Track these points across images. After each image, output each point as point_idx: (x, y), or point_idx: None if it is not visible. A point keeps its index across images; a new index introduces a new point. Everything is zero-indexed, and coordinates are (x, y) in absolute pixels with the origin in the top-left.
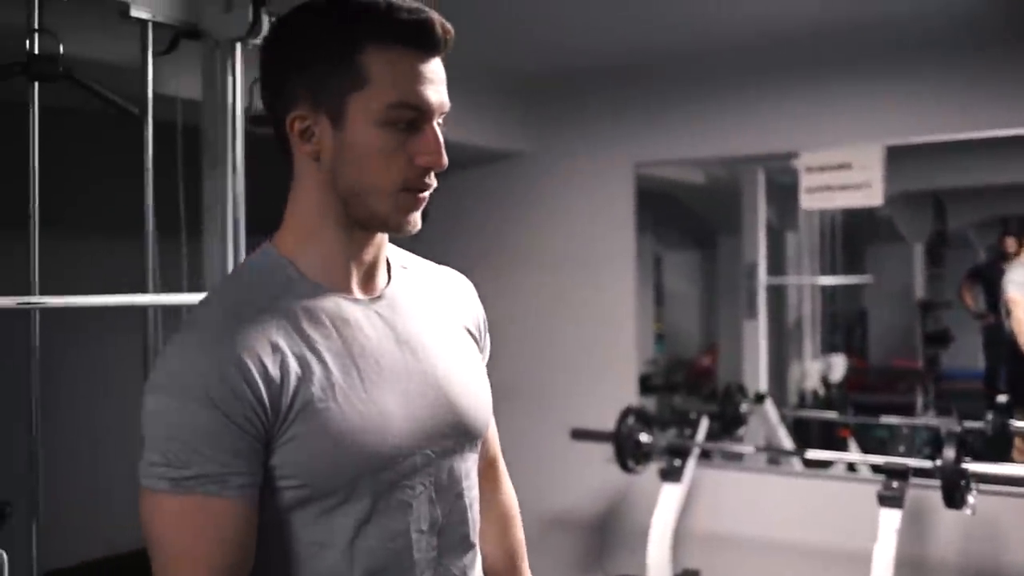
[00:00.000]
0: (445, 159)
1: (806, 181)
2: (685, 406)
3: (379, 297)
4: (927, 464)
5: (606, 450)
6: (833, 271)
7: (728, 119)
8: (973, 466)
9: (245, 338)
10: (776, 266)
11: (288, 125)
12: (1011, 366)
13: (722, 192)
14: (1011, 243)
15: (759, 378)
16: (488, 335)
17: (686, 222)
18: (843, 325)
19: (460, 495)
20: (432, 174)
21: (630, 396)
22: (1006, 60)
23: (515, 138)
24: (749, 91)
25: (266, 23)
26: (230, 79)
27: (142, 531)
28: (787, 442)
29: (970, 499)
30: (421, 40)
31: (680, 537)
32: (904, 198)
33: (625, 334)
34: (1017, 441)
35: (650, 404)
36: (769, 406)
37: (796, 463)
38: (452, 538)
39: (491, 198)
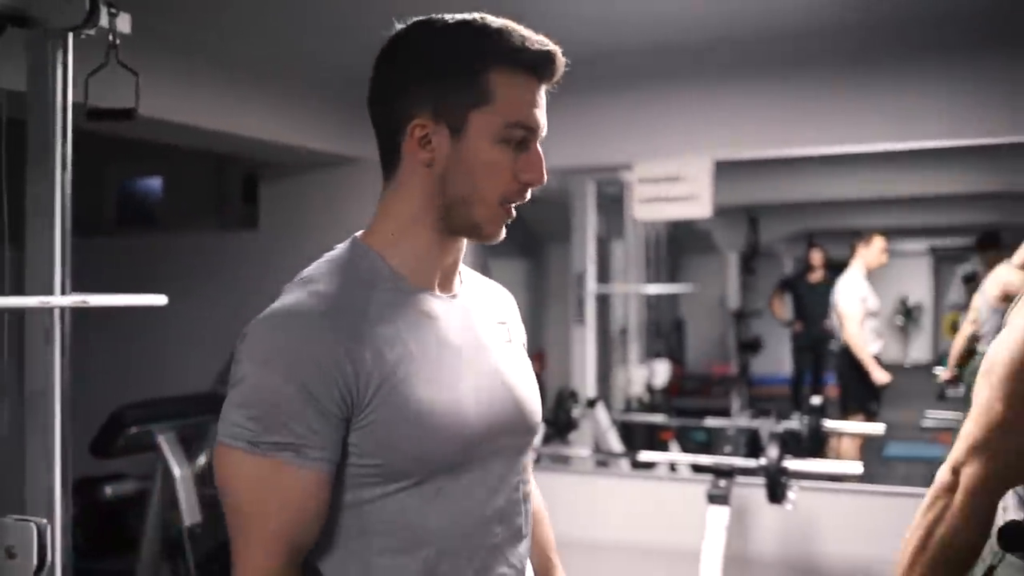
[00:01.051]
0: (546, 177)
1: (638, 192)
2: None
3: (455, 296)
4: (752, 463)
5: None
6: (657, 280)
7: (563, 130)
8: (793, 463)
9: (340, 323)
10: (603, 275)
11: (408, 131)
12: (840, 372)
13: (552, 201)
14: (816, 256)
15: (587, 383)
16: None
17: (516, 230)
18: (664, 332)
19: (518, 487)
20: (529, 191)
21: None
22: (824, 82)
23: (354, 143)
24: (584, 102)
25: (104, 14)
26: (60, 71)
27: (218, 488)
28: (617, 445)
29: (790, 495)
30: (544, 70)
31: None
32: (721, 212)
33: None
34: (834, 440)
35: None
36: (600, 410)
37: (624, 465)
38: (511, 527)
39: (333, 202)
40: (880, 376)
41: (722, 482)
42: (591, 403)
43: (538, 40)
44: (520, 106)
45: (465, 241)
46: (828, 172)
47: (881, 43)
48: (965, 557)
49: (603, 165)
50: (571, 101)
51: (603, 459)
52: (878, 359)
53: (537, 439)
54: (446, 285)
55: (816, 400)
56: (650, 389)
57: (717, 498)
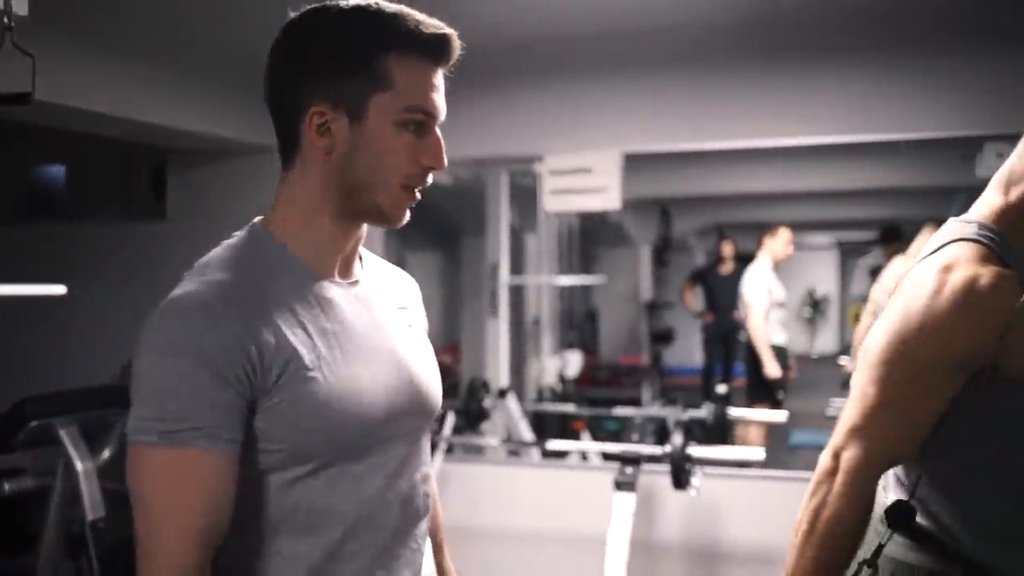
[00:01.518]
0: (445, 161)
1: (549, 184)
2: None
3: (355, 282)
4: (658, 451)
5: None
6: (570, 272)
7: (476, 121)
8: (697, 450)
9: (242, 308)
10: (518, 266)
11: (306, 119)
12: (747, 362)
13: (467, 193)
14: (727, 248)
15: (501, 374)
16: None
17: (431, 223)
18: (577, 324)
19: (419, 469)
20: (430, 175)
21: None
22: (731, 77)
23: (265, 131)
24: (497, 94)
25: None
26: None
27: (130, 489)
28: (528, 435)
29: (695, 481)
30: (440, 54)
31: None
32: (634, 204)
33: None
34: (741, 429)
35: None
36: (511, 400)
37: (535, 454)
38: (412, 509)
39: (244, 192)
40: (772, 370)
41: (628, 469)
42: (502, 393)
43: (433, 24)
44: (418, 90)
45: (366, 227)
46: (739, 166)
47: (787, 39)
48: (852, 538)
49: (515, 156)
50: (484, 92)
51: (514, 448)
52: (784, 350)
53: (447, 428)
54: (346, 271)
55: (722, 389)
56: (563, 379)
57: (624, 485)
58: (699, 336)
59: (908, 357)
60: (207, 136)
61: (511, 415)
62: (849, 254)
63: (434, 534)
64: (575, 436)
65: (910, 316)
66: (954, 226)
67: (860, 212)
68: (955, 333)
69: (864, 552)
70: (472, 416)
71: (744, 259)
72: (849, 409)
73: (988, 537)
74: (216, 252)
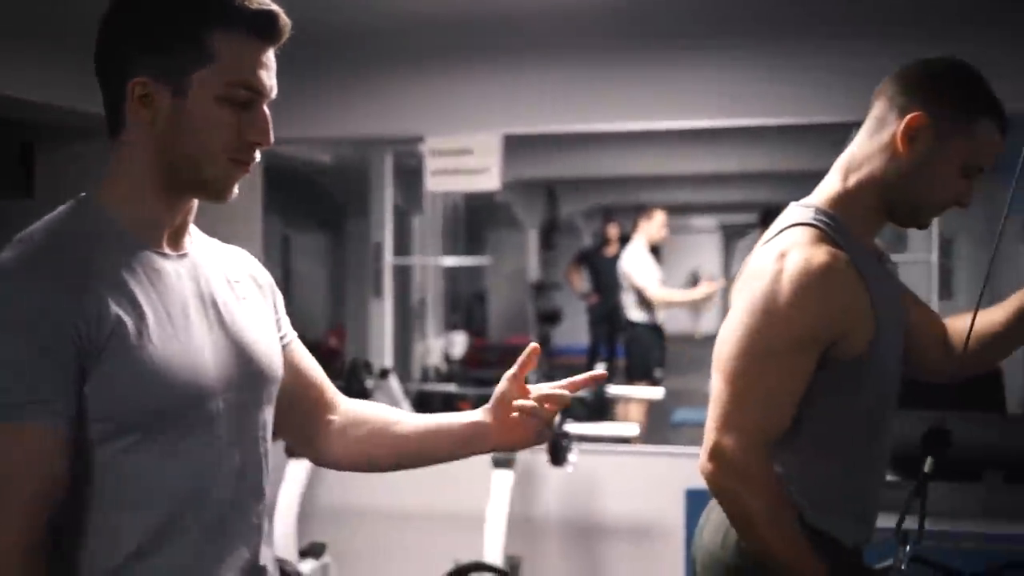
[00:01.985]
0: (272, 138)
1: (431, 164)
2: None
3: (184, 255)
4: None
5: None
6: (457, 253)
7: (358, 100)
8: (572, 427)
9: (65, 277)
10: (403, 247)
11: (128, 90)
12: (626, 343)
13: (351, 173)
14: (612, 230)
15: (385, 355)
16: (279, 296)
17: (316, 204)
18: (465, 305)
19: (256, 443)
20: (257, 150)
21: None
22: (610, 60)
23: None
24: (380, 74)
25: None
26: None
27: None
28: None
29: (571, 457)
30: (266, 30)
31: (307, 511)
32: (521, 186)
33: None
34: (623, 407)
35: None
36: (393, 381)
37: None
38: (250, 484)
39: None
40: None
41: None
42: (383, 373)
43: (260, 1)
44: (242, 66)
45: (195, 203)
46: (624, 149)
47: (665, 24)
48: (782, 511)
49: (396, 136)
50: (367, 72)
51: None
52: (659, 328)
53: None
54: (175, 243)
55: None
56: (448, 360)
57: (501, 462)
58: (586, 317)
59: (760, 344)
60: (76, 112)
61: (393, 395)
62: (732, 237)
63: (383, 413)
64: None
65: (754, 306)
66: (794, 211)
67: (741, 195)
68: (797, 314)
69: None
70: (354, 396)
71: (626, 241)
72: (716, 404)
73: (823, 508)
74: (38, 224)
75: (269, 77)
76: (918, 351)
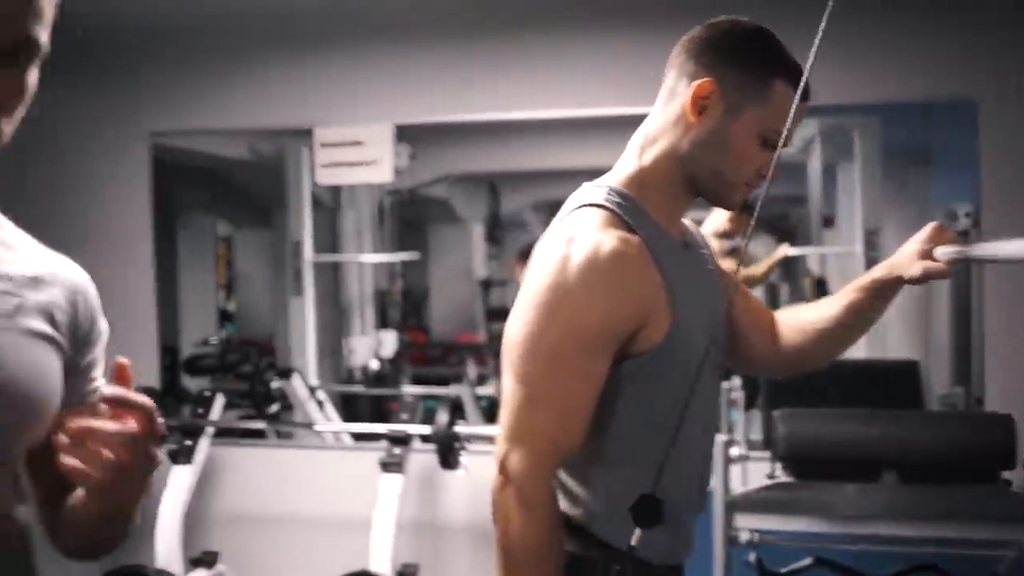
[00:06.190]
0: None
1: (321, 157)
2: (212, 386)
3: None
4: (424, 430)
5: None
6: (392, 250)
7: (247, 90)
8: (464, 429)
9: None
10: (332, 244)
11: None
12: None
13: (268, 168)
14: None
15: (307, 355)
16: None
17: (250, 200)
18: (408, 302)
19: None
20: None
21: (152, 377)
22: (504, 47)
23: None
24: (268, 63)
25: None
26: None
27: None
28: (316, 416)
29: (463, 460)
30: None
31: (196, 519)
32: (461, 180)
33: (144, 313)
34: None
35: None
36: (297, 381)
37: (331, 438)
38: None
39: None
40: None
41: (396, 450)
42: (284, 374)
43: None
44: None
45: None
46: (566, 141)
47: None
48: (548, 546)
49: (283, 127)
50: (250, 61)
51: (284, 431)
52: None
53: (216, 411)
54: None
55: None
56: (380, 359)
57: (390, 466)
58: None
59: (546, 344)
60: None
61: (297, 396)
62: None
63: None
64: (391, 417)
65: (540, 299)
66: (584, 191)
67: None
68: (586, 309)
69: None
70: (258, 399)
71: None
72: (504, 412)
73: (622, 520)
74: None
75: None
76: (743, 343)
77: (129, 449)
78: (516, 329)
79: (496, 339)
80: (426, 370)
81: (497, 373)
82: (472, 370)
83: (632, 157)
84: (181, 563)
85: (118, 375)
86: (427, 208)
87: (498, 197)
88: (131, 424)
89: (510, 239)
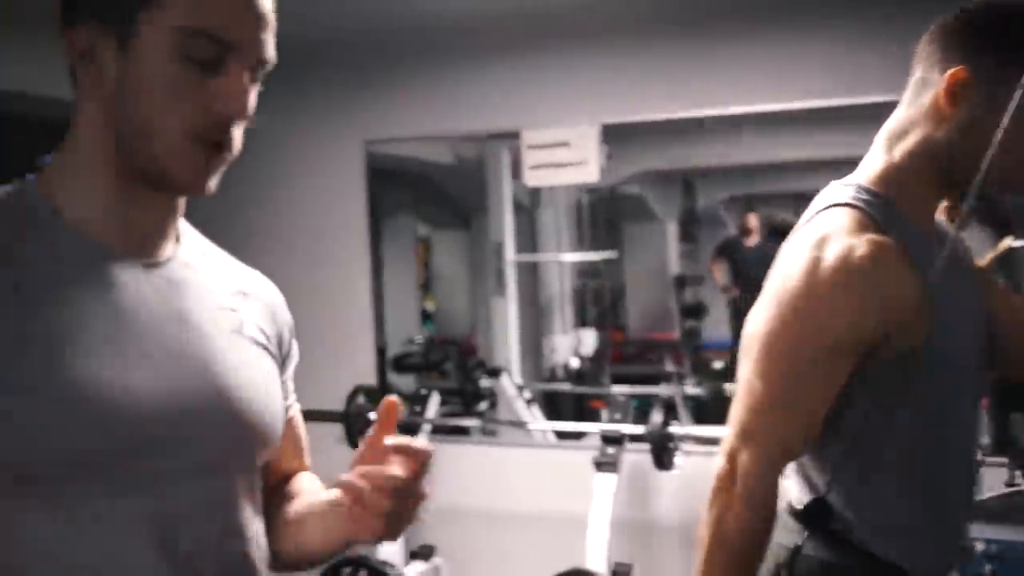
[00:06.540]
0: (249, 109)
1: (529, 159)
2: (422, 384)
3: (157, 264)
4: (640, 430)
5: (337, 430)
6: (589, 248)
7: (455, 96)
8: (678, 429)
9: None
10: (530, 244)
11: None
12: None
13: (470, 171)
14: (752, 220)
15: (510, 354)
16: (294, 349)
17: (451, 202)
18: (604, 300)
19: (225, 521)
20: (233, 129)
21: (369, 375)
22: (709, 42)
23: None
24: (475, 68)
25: None
26: None
27: None
28: (526, 415)
29: (677, 460)
30: None
31: None
32: (654, 177)
33: (361, 313)
34: None
35: (409, 384)
36: (505, 380)
37: (539, 435)
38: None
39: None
40: None
41: (610, 449)
42: (493, 372)
43: None
44: (203, 9)
45: (181, 203)
46: (762, 135)
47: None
48: (758, 547)
49: (491, 132)
50: (459, 68)
51: (492, 429)
52: None
53: (431, 410)
54: (144, 248)
55: (718, 365)
56: (580, 357)
57: (604, 465)
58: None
59: (790, 345)
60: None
61: (506, 395)
62: None
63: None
64: (593, 415)
65: (787, 300)
66: (833, 189)
67: None
68: (834, 314)
69: (775, 556)
70: (468, 397)
71: (779, 232)
72: (737, 407)
73: (885, 528)
74: None
75: (252, 27)
76: (1012, 348)
77: (404, 498)
78: (760, 327)
79: (689, 335)
80: (625, 368)
81: (693, 371)
82: (670, 367)
83: (880, 153)
84: (402, 555)
85: (386, 415)
86: (622, 206)
87: (693, 193)
88: (408, 471)
89: (704, 236)
